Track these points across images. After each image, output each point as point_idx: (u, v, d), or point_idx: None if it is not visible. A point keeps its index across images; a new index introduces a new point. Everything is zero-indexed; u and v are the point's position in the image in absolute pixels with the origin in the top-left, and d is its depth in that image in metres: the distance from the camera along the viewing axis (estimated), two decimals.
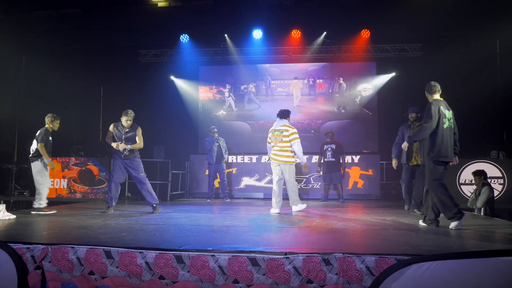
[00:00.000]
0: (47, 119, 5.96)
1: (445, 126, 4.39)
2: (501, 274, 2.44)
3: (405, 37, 10.26)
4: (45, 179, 5.83)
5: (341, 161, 8.35)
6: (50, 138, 5.92)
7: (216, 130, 8.73)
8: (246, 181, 9.41)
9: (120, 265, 2.87)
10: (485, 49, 9.62)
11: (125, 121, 5.76)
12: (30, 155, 5.82)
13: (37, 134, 5.83)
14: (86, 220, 4.87)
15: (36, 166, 5.77)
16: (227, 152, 8.83)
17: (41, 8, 9.52)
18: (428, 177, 4.44)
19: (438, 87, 4.57)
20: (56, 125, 6.01)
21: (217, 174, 8.71)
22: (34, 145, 5.80)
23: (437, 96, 4.56)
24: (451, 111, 4.52)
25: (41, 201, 5.71)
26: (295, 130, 5.99)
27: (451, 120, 4.49)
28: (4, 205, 5.10)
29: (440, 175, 4.41)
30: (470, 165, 8.08)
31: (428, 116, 4.37)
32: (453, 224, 4.26)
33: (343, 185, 8.44)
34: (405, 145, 5.25)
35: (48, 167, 5.87)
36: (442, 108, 4.41)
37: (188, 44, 10.78)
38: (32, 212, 5.61)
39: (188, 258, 2.80)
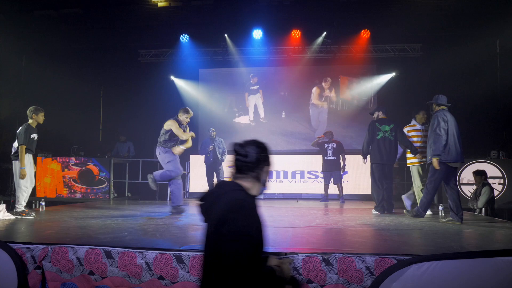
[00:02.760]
0: (29, 113, 5.39)
1: (378, 137, 5.82)
2: (501, 274, 2.43)
3: (405, 37, 10.23)
4: (23, 182, 5.29)
5: (341, 160, 8.35)
6: (34, 136, 5.42)
7: (213, 130, 8.63)
8: None
9: (120, 265, 2.87)
10: (485, 49, 9.60)
11: (186, 118, 6.18)
12: (12, 154, 5.41)
13: (17, 132, 5.35)
14: (86, 220, 4.87)
15: (17, 166, 5.33)
16: (225, 153, 8.56)
17: (41, 8, 9.50)
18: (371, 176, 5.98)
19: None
20: (41, 117, 5.46)
21: (215, 173, 8.68)
22: (16, 144, 5.36)
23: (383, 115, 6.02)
24: (392, 125, 5.85)
25: (17, 205, 5.28)
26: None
27: (388, 132, 5.80)
28: (4, 205, 5.09)
29: (376, 174, 5.86)
30: (470, 165, 8.06)
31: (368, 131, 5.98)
32: (374, 211, 5.91)
33: (342, 185, 8.42)
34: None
35: (31, 167, 5.40)
36: (377, 124, 5.90)
37: (188, 44, 10.74)
38: (12, 217, 5.10)
39: (188, 258, 2.80)
